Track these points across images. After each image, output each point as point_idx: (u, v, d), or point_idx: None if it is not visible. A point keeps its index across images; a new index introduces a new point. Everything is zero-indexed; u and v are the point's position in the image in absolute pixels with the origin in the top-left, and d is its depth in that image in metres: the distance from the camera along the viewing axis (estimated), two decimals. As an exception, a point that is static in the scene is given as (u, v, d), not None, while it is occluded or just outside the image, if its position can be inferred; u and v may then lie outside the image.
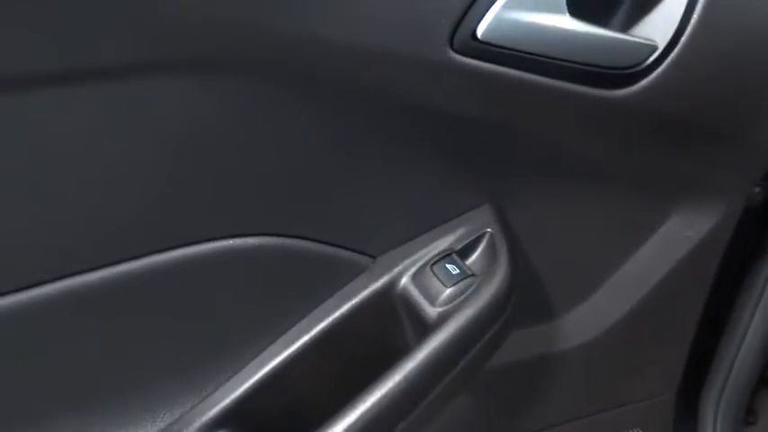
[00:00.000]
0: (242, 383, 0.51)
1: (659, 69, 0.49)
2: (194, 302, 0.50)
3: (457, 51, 0.45)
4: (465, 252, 0.54)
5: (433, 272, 0.52)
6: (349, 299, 0.52)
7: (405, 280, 0.53)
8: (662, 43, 0.49)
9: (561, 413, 0.69)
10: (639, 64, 0.49)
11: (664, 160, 0.58)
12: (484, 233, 0.55)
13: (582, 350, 0.65)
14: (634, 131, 0.54)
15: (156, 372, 0.50)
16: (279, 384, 0.52)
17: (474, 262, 0.55)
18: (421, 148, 0.51)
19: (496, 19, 0.45)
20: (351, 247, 0.53)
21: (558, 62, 0.47)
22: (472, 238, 0.54)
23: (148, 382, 0.50)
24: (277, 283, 0.52)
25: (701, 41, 0.50)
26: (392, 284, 0.53)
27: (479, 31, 0.45)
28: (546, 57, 0.47)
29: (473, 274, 0.52)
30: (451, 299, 0.51)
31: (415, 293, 0.52)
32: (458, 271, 0.52)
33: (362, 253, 0.53)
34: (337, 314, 0.52)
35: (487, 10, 0.44)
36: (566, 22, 0.46)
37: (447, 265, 0.52)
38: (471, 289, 0.51)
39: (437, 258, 0.53)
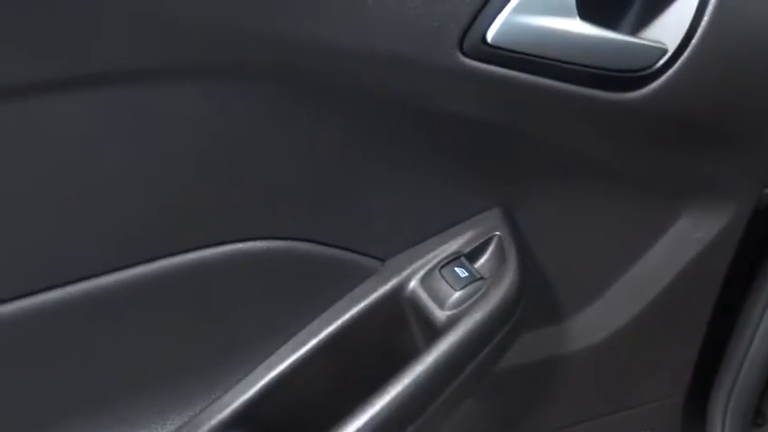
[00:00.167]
0: (252, 386, 0.51)
1: (669, 72, 0.49)
2: (203, 306, 0.50)
3: (467, 55, 0.45)
4: (474, 255, 0.54)
5: (441, 275, 0.52)
6: (358, 302, 0.53)
7: (413, 283, 0.53)
8: (672, 46, 0.49)
9: (570, 415, 0.69)
10: (649, 67, 0.49)
11: (673, 162, 0.58)
12: (493, 236, 0.55)
13: (591, 352, 0.65)
14: (644, 134, 0.54)
15: (166, 374, 0.51)
16: (288, 387, 0.52)
17: (483, 265, 0.55)
18: (430, 151, 0.51)
19: (506, 23, 0.45)
20: (359, 250, 0.53)
21: (568, 65, 0.47)
22: (481, 241, 0.54)
23: (159, 384, 0.51)
24: (286, 287, 0.52)
25: (711, 44, 0.49)
26: (401, 288, 0.53)
27: (489, 35, 0.45)
28: (556, 60, 0.47)
29: (482, 278, 0.52)
30: (460, 302, 0.51)
31: (424, 297, 0.52)
32: (466, 274, 0.52)
33: (371, 256, 0.54)
34: (346, 317, 0.52)
35: (497, 14, 0.44)
36: (576, 26, 0.46)
37: (456, 269, 0.52)
38: (480, 292, 0.51)
39: (446, 261, 0.53)
